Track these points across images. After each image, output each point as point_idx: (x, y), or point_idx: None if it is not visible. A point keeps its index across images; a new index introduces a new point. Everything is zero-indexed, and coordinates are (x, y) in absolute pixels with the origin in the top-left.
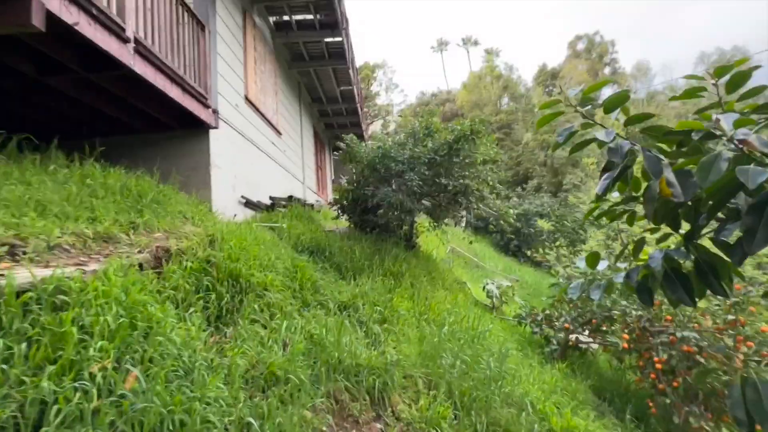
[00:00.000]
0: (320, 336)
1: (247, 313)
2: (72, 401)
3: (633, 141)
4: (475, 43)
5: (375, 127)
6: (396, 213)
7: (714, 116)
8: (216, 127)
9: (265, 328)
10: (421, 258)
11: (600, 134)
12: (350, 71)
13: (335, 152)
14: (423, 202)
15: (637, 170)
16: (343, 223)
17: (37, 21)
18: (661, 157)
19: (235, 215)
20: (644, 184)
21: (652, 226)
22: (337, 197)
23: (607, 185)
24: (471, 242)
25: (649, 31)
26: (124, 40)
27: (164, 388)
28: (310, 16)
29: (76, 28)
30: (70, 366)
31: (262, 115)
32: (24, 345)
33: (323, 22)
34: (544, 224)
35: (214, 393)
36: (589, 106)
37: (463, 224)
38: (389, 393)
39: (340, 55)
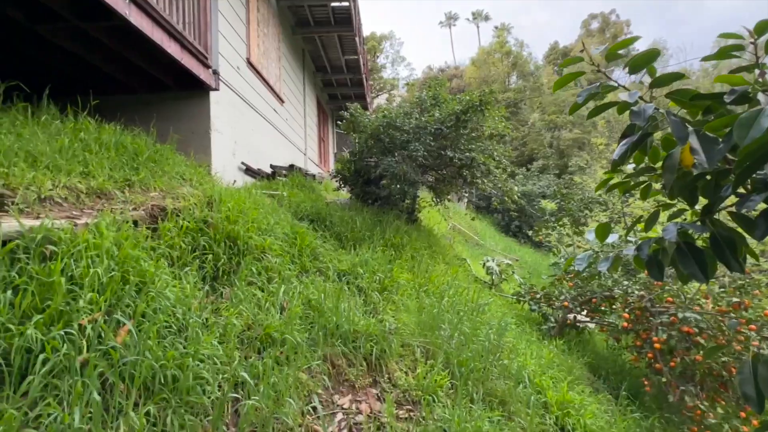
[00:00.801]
0: (318, 301)
1: (244, 275)
2: (60, 351)
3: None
4: (486, 18)
5: (380, 101)
6: (399, 186)
7: (757, 72)
8: (216, 89)
9: (263, 291)
10: (423, 232)
11: (624, 95)
12: (356, 39)
13: (338, 124)
14: (427, 176)
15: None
16: (345, 194)
17: None
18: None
19: (234, 181)
20: (663, 156)
21: (665, 202)
22: (339, 168)
23: (625, 151)
24: (473, 219)
25: (666, 14)
26: None
27: (157, 344)
28: None
29: None
30: (59, 316)
31: (265, 81)
32: (9, 293)
33: None
34: (547, 204)
35: (208, 351)
36: (613, 68)
37: (465, 202)
38: (386, 360)
39: (346, 21)
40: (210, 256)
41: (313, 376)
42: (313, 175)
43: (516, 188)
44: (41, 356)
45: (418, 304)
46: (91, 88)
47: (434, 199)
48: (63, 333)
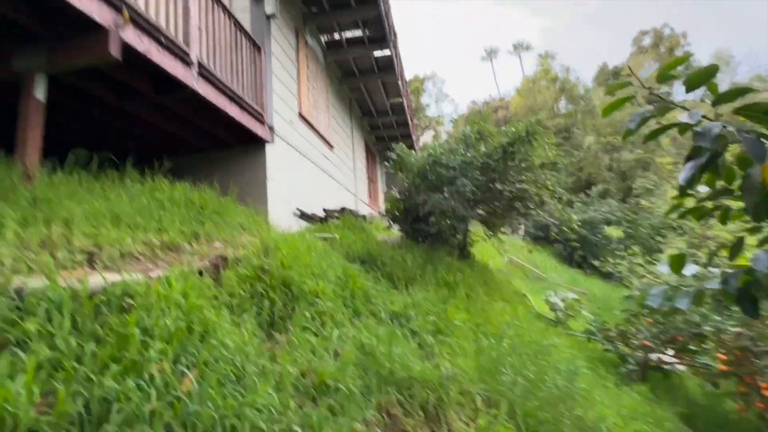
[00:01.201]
0: (371, 346)
1: (299, 321)
2: (133, 400)
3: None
4: (527, 48)
5: (426, 138)
6: (448, 221)
7: None
8: (272, 143)
9: (317, 336)
10: (477, 268)
11: (683, 116)
12: (399, 83)
13: (386, 164)
14: (477, 209)
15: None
16: (395, 233)
17: (115, 51)
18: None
19: (290, 227)
20: (740, 176)
21: (752, 224)
22: (389, 207)
23: (692, 175)
24: (530, 251)
25: (731, 19)
26: (189, 64)
27: (217, 392)
28: (359, 32)
29: (147, 55)
30: (132, 366)
31: (315, 130)
32: (93, 344)
33: (372, 37)
34: (613, 232)
35: (264, 399)
36: (666, 89)
37: (521, 233)
38: (445, 409)
39: (389, 67)
40: (266, 302)
41: (369, 426)
42: (364, 216)
43: (575, 217)
44: (116, 405)
45: (476, 347)
46: (166, 150)
47: (487, 232)
48: (136, 383)
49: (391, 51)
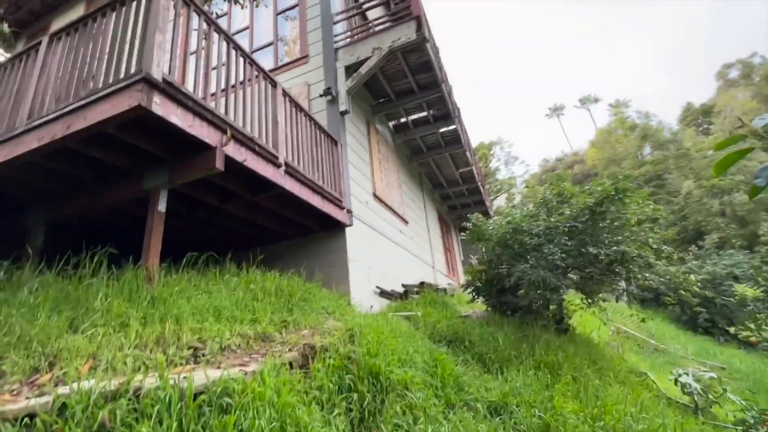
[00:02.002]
0: None
1: (390, 417)
2: None
3: None
4: (595, 100)
5: (499, 202)
6: (539, 292)
7: None
8: (350, 225)
9: None
10: (580, 343)
11: None
12: (467, 153)
13: (461, 233)
14: (569, 276)
15: None
16: (480, 306)
17: (219, 164)
18: None
19: (371, 306)
20: None
21: None
22: (470, 279)
23: None
24: (643, 320)
25: None
26: (278, 166)
27: None
28: (424, 114)
29: (244, 164)
30: None
31: (389, 208)
32: None
33: (436, 115)
34: (746, 290)
35: None
36: None
37: (625, 298)
38: None
39: (455, 141)
40: (355, 396)
41: None
42: (444, 289)
43: (693, 277)
44: None
45: None
46: (257, 240)
47: (584, 300)
48: None
49: (456, 125)
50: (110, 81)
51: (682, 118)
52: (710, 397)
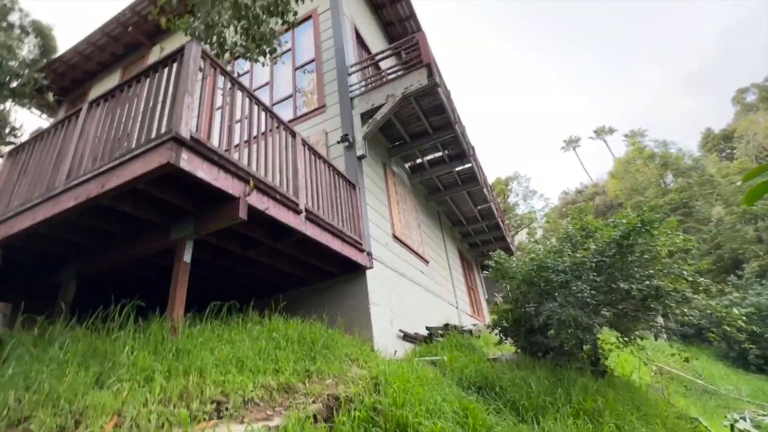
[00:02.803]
0: None
1: None
2: None
3: None
4: (611, 131)
5: (521, 237)
6: (570, 331)
7: None
8: (371, 267)
9: None
10: (620, 387)
11: None
12: (484, 190)
13: (484, 270)
14: (602, 313)
15: None
16: (508, 347)
17: (243, 214)
18: None
19: (395, 351)
20: None
21: None
22: (496, 319)
23: None
24: (687, 360)
25: None
26: (298, 212)
27: None
28: (439, 153)
29: (266, 212)
30: None
31: (409, 248)
32: None
33: (451, 155)
34: None
35: None
36: None
37: (665, 335)
38: None
39: (471, 178)
40: None
41: None
42: (470, 330)
43: (737, 310)
44: None
45: None
46: (279, 286)
47: (620, 339)
48: None
49: (471, 163)
50: (142, 141)
51: (703, 144)
52: None
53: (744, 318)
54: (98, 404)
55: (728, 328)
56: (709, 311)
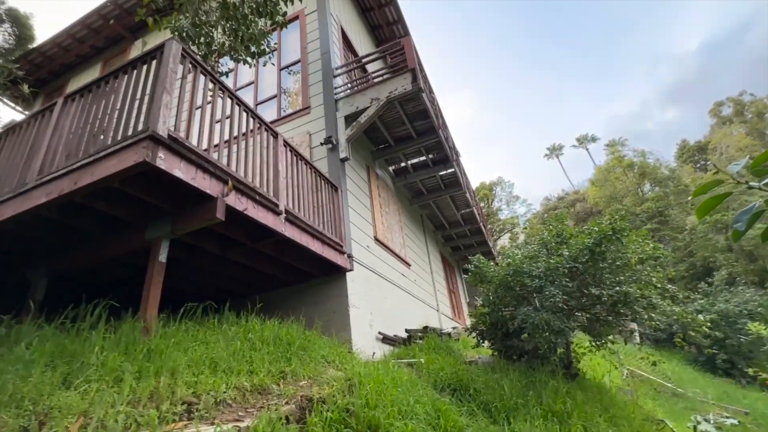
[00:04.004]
0: None
1: None
2: None
3: None
4: (593, 139)
5: (503, 242)
6: (544, 335)
7: None
8: (351, 270)
9: None
10: (590, 389)
11: None
12: (467, 195)
13: (465, 274)
14: (576, 316)
15: None
16: (486, 350)
17: (220, 214)
18: None
19: (374, 353)
20: None
21: None
22: (474, 322)
23: None
24: (654, 363)
25: None
26: (278, 213)
27: None
28: (423, 158)
29: (245, 212)
30: None
31: (391, 251)
32: None
33: (435, 159)
34: (760, 328)
35: None
36: None
37: (637, 339)
38: None
39: (454, 183)
40: None
41: None
42: (449, 333)
43: (702, 316)
44: None
45: None
46: (257, 286)
47: (593, 342)
48: None
49: (454, 168)
50: (119, 138)
51: (679, 155)
52: None
53: (709, 324)
54: (64, 405)
55: (693, 334)
56: (675, 317)
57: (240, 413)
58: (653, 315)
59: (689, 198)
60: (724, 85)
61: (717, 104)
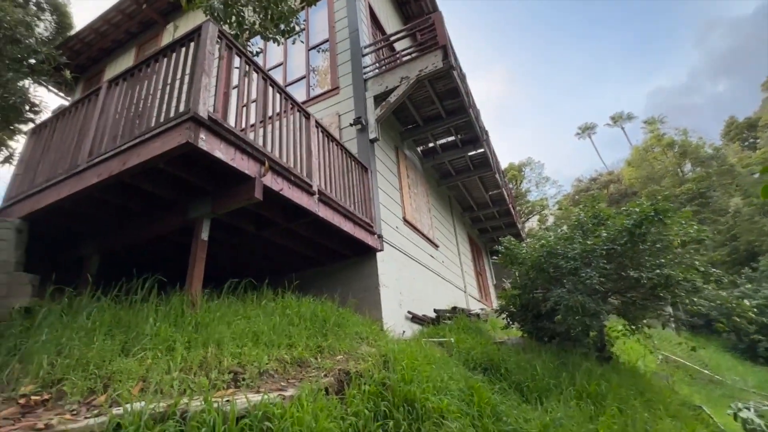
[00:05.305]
0: None
1: None
2: None
3: None
4: (629, 117)
5: (531, 224)
6: (577, 318)
7: None
8: (381, 250)
9: None
10: (624, 373)
11: None
12: (496, 176)
13: (493, 256)
14: (610, 300)
15: None
16: (515, 332)
17: (258, 194)
18: None
19: (403, 332)
20: None
21: None
22: (504, 303)
23: None
24: (693, 349)
25: None
26: (311, 194)
27: None
28: (451, 138)
29: (281, 192)
30: None
31: (420, 232)
32: None
33: (464, 139)
34: None
35: None
36: None
37: (673, 324)
38: None
39: (484, 164)
40: (391, 423)
41: None
42: (477, 314)
43: (747, 302)
44: None
45: None
46: (292, 266)
47: (627, 326)
48: None
49: (484, 148)
50: (161, 120)
51: (726, 133)
52: None
53: (755, 309)
54: (125, 370)
55: (738, 320)
56: (719, 302)
57: (282, 383)
58: (695, 299)
59: (750, 173)
60: None
61: None
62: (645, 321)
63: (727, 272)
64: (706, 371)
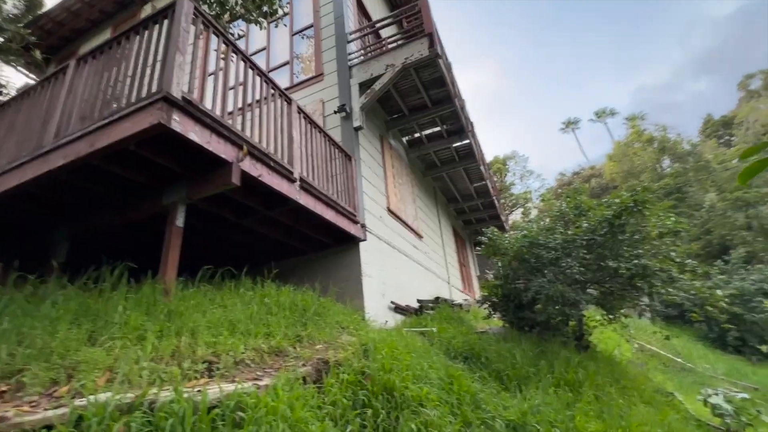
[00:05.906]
0: None
1: None
2: None
3: None
4: (612, 113)
5: (515, 217)
6: (557, 307)
7: None
8: (364, 240)
9: None
10: (601, 361)
11: None
12: (481, 167)
13: (477, 247)
14: (589, 290)
15: None
16: (496, 322)
17: (236, 179)
18: None
19: (386, 321)
20: None
21: None
22: (486, 294)
23: None
24: (667, 338)
25: None
26: (292, 180)
27: None
28: (437, 128)
29: (260, 178)
30: None
31: (404, 222)
32: None
33: (450, 130)
34: None
35: None
36: None
37: (648, 314)
38: None
39: (469, 155)
40: (369, 412)
41: None
42: (460, 305)
43: (720, 292)
44: None
45: None
46: (273, 255)
47: (605, 316)
48: None
49: (469, 140)
50: (132, 100)
51: (703, 130)
52: (743, 419)
53: (726, 300)
54: (90, 360)
55: (711, 309)
56: (693, 292)
57: (258, 373)
58: (671, 289)
59: (725, 169)
60: (762, 53)
61: (746, 77)
62: (622, 311)
63: (701, 264)
64: (678, 359)
